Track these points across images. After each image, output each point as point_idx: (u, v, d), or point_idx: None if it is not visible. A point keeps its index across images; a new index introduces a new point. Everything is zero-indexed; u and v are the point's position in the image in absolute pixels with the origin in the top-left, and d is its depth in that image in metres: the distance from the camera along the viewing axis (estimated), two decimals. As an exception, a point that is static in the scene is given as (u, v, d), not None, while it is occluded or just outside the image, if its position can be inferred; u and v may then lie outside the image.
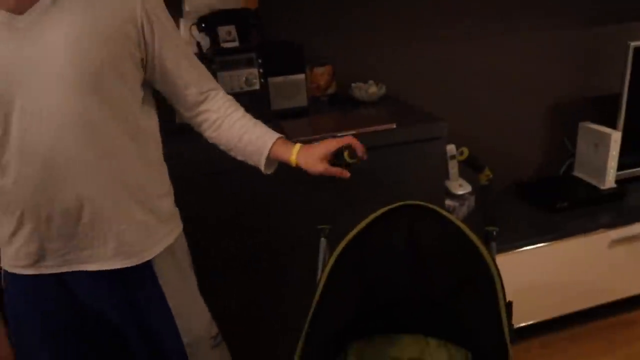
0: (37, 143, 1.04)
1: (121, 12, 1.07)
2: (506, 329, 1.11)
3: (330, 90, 2.13)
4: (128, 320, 1.24)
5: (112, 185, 1.13)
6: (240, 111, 1.36)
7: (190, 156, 1.77)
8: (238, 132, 1.32)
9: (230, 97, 1.36)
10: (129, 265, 1.20)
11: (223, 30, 1.86)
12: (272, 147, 1.33)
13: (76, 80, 1.02)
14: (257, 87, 1.84)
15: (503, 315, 1.11)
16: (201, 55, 1.89)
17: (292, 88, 1.89)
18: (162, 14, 1.17)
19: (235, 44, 1.84)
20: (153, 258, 1.23)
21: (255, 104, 1.85)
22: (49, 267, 1.17)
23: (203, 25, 1.91)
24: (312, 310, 1.19)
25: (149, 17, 1.12)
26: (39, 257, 1.16)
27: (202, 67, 1.31)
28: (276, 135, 1.35)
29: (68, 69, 1.01)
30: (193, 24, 1.93)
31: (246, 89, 1.84)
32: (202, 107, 1.31)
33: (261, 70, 1.84)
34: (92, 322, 1.24)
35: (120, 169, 1.14)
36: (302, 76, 1.91)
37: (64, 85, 1.02)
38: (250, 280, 1.78)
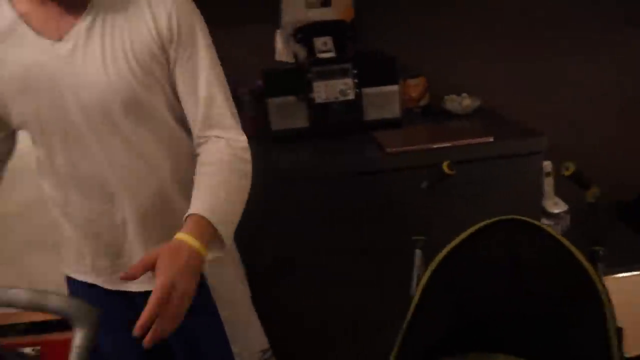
0: (80, 165, 1.08)
1: (150, 32, 1.02)
2: (616, 357, 1.04)
3: (423, 102, 2.12)
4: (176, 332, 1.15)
5: (152, 202, 1.12)
6: (213, 166, 1.08)
7: (284, 164, 1.83)
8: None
9: (223, 152, 1.08)
10: (146, 290, 1.11)
11: (319, 41, 1.90)
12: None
13: (114, 104, 1.03)
14: (351, 97, 1.86)
15: (613, 341, 1.04)
16: (297, 66, 1.94)
17: (385, 99, 1.89)
18: (188, 38, 1.05)
19: (332, 54, 1.88)
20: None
21: (348, 114, 1.89)
22: (100, 283, 1.19)
23: (299, 36, 1.96)
24: (405, 324, 1.17)
25: (177, 40, 1.05)
26: (91, 271, 1.19)
27: (217, 107, 1.09)
28: (193, 210, 1.01)
29: (106, 94, 1.02)
30: (290, 35, 1.98)
31: (341, 99, 1.86)
32: (199, 150, 1.13)
33: (356, 81, 1.86)
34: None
35: (159, 186, 1.12)
36: (395, 87, 1.91)
37: (102, 110, 1.03)
38: (337, 292, 1.78)
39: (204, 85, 1.06)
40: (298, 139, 1.90)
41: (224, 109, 1.09)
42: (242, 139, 1.10)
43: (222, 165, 1.06)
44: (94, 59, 1.00)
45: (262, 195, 1.68)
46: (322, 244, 1.72)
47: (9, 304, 0.88)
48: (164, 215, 1.13)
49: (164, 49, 1.03)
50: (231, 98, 1.12)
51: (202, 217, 0.97)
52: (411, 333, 1.17)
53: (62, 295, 0.86)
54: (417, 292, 1.19)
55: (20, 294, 0.85)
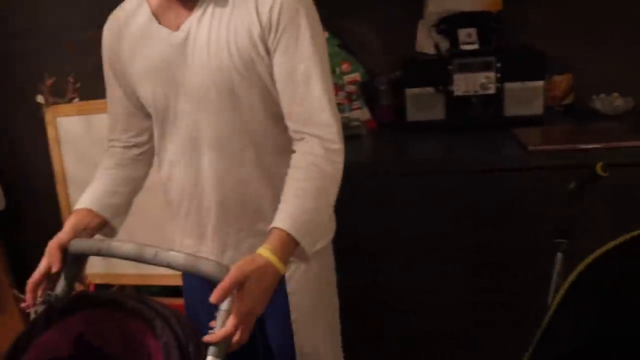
0: (184, 152, 1.14)
1: (252, 22, 1.03)
2: None
3: (567, 101, 2.01)
4: None
5: (234, 189, 1.14)
6: (304, 171, 1.06)
7: (416, 155, 1.83)
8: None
9: (316, 154, 1.06)
10: None
11: (463, 33, 1.87)
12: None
13: (214, 95, 1.07)
14: (492, 91, 1.82)
15: None
16: (438, 57, 1.93)
17: (529, 95, 1.82)
18: (290, 29, 1.03)
19: (475, 46, 1.84)
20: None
21: (487, 109, 1.84)
22: None
23: (443, 26, 1.94)
24: (539, 333, 1.13)
25: (278, 29, 1.03)
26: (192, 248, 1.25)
27: (315, 103, 1.06)
28: (279, 223, 1.00)
29: (206, 83, 1.06)
30: (432, 26, 1.97)
31: (480, 92, 1.83)
32: (294, 146, 1.12)
33: (498, 75, 1.81)
34: None
35: (241, 180, 1.13)
36: (540, 83, 1.83)
37: (200, 97, 1.07)
38: (457, 294, 1.75)
39: (302, 79, 1.04)
40: (433, 131, 1.89)
41: (321, 105, 1.05)
42: (338, 140, 1.07)
43: (312, 170, 1.04)
44: (201, 49, 1.04)
45: (392, 185, 1.72)
46: (449, 241, 1.70)
47: (168, 265, 0.96)
48: (244, 203, 1.15)
49: (264, 39, 1.03)
50: (332, 94, 1.08)
51: (288, 234, 0.97)
52: (545, 344, 1.13)
53: (213, 261, 0.91)
54: (556, 299, 1.14)
55: (178, 257, 0.92)
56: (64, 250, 1.03)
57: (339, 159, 1.07)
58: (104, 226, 1.16)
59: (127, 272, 2.07)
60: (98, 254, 1.00)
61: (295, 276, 1.20)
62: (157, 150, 1.21)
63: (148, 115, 1.21)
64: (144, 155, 1.27)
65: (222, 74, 1.04)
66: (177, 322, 0.89)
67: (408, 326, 1.79)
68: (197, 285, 1.26)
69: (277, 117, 1.10)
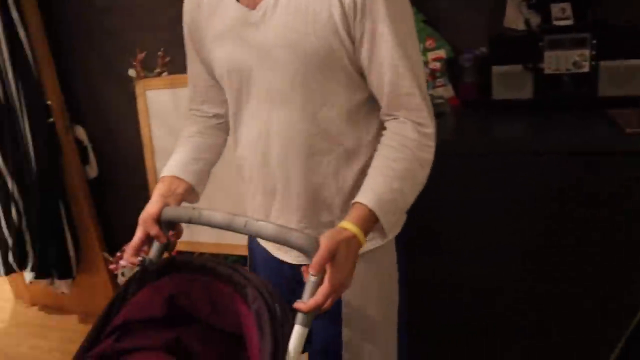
0: (253, 135, 1.14)
1: (333, 7, 0.99)
2: None
3: (670, 81, 1.87)
4: None
5: (300, 180, 1.12)
6: (394, 151, 1.05)
7: (501, 134, 1.77)
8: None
9: (408, 136, 1.05)
10: (299, 263, 1.14)
11: (557, 8, 1.77)
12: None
13: (290, 74, 1.05)
14: (585, 69, 1.71)
15: None
16: (528, 33, 1.84)
17: (628, 74, 1.70)
18: (373, 13, 1.00)
19: (569, 22, 1.74)
20: None
21: (580, 88, 1.75)
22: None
23: (534, 1, 1.85)
24: (628, 334, 1.07)
25: (363, 12, 0.99)
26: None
27: (404, 88, 1.04)
28: (363, 199, 1.01)
29: (284, 63, 1.04)
30: (523, 0, 1.88)
31: (573, 70, 1.73)
32: (385, 124, 1.10)
33: (593, 53, 1.71)
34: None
35: (309, 168, 1.12)
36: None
37: (281, 78, 1.06)
38: (532, 285, 1.70)
39: (389, 65, 1.01)
40: (520, 110, 1.81)
41: (411, 90, 1.03)
42: (430, 124, 1.05)
43: (403, 151, 1.03)
44: (275, 31, 1.03)
45: (474, 165, 1.67)
46: (530, 226, 1.64)
47: (257, 234, 0.99)
48: (308, 192, 1.13)
49: (347, 25, 1.00)
50: (423, 77, 1.06)
51: (370, 210, 0.98)
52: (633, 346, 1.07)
53: (304, 233, 0.94)
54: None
55: (269, 227, 0.95)
56: (157, 217, 1.08)
57: (431, 143, 1.06)
58: (189, 192, 1.20)
59: (206, 240, 2.16)
60: (189, 221, 1.05)
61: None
62: (231, 130, 1.23)
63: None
64: (224, 124, 1.30)
65: (294, 60, 1.03)
66: (267, 290, 0.92)
67: (478, 313, 1.75)
68: (260, 261, 1.31)
69: (353, 111, 1.09)
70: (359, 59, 1.04)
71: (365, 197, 0.99)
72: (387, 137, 1.06)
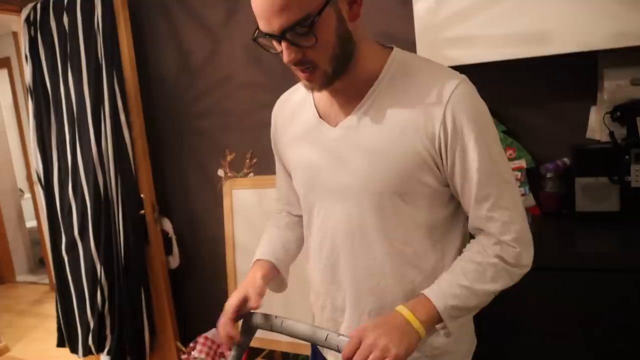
0: (322, 248, 1.14)
1: (420, 132, 1.00)
2: None
3: None
4: None
5: (371, 299, 1.10)
6: (465, 255, 1.05)
7: (585, 248, 1.70)
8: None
9: (501, 246, 1.02)
10: None
11: (643, 121, 1.74)
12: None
13: (359, 196, 1.05)
14: (676, 186, 1.65)
15: None
16: (613, 145, 1.81)
17: None
18: (470, 135, 0.99)
19: (656, 136, 1.70)
20: None
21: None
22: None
23: (618, 113, 1.83)
24: None
25: (451, 140, 1.00)
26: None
27: (490, 212, 1.02)
28: (427, 290, 1.01)
29: (355, 183, 1.05)
30: (607, 113, 1.86)
31: (661, 186, 1.67)
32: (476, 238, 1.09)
33: (685, 168, 1.64)
34: None
35: (378, 286, 1.10)
36: None
37: (349, 198, 1.06)
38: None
39: (475, 187, 1.01)
40: (605, 224, 1.74)
41: (498, 214, 1.01)
42: (518, 244, 1.02)
43: (478, 253, 1.03)
44: (355, 151, 1.05)
45: (554, 280, 1.60)
46: (615, 349, 1.51)
47: (337, 348, 0.96)
48: (379, 312, 1.10)
49: (434, 150, 1.00)
50: (517, 198, 1.04)
51: (428, 299, 0.98)
52: None
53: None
54: None
55: (345, 341, 0.95)
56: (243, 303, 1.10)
57: (514, 261, 1.02)
58: (275, 277, 1.22)
59: (279, 338, 2.16)
60: (271, 329, 1.06)
61: None
62: (305, 235, 1.23)
63: None
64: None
65: (374, 183, 1.04)
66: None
67: None
68: None
69: (427, 228, 1.07)
70: (448, 180, 1.04)
71: (430, 290, 1.01)
72: (472, 245, 1.06)
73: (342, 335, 0.97)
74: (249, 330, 1.13)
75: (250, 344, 2.20)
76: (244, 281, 1.15)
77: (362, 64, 1.03)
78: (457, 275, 1.01)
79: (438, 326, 1.00)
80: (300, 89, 1.19)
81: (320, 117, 1.11)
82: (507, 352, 1.60)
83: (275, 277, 1.22)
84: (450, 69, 1.05)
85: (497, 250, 1.02)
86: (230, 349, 1.12)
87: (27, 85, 2.70)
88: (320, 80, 1.01)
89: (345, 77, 1.02)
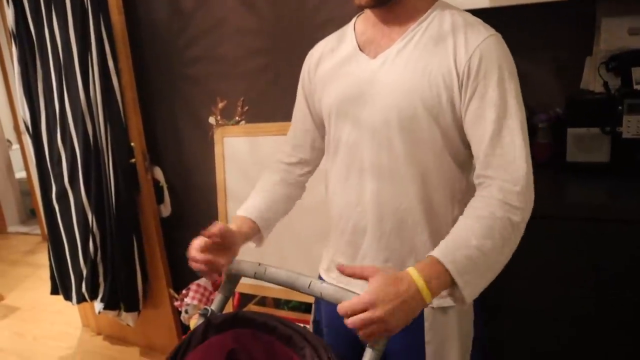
0: (348, 175, 1.19)
1: (448, 66, 1.05)
2: None
3: None
4: None
5: (392, 217, 1.15)
6: (471, 212, 1.03)
7: (574, 198, 1.72)
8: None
9: (493, 197, 1.01)
10: None
11: (638, 71, 1.73)
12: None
13: (387, 125, 1.10)
14: (668, 137, 1.65)
15: None
16: (607, 96, 1.80)
17: None
18: (484, 79, 1.03)
19: (651, 86, 1.69)
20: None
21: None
22: (333, 280, 1.27)
23: (613, 64, 1.81)
24: None
25: (473, 78, 1.04)
26: (328, 266, 1.30)
27: (501, 147, 1.03)
28: (435, 251, 0.97)
29: (389, 109, 1.10)
30: (602, 63, 1.85)
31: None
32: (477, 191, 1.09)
33: (678, 119, 1.64)
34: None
35: (404, 209, 1.14)
36: None
37: (382, 121, 1.11)
38: None
39: (490, 124, 1.02)
40: (595, 174, 1.76)
41: (509, 149, 1.02)
42: (519, 183, 1.00)
43: (485, 209, 1.00)
44: (392, 77, 1.10)
45: (544, 229, 1.62)
46: (602, 298, 1.56)
47: (320, 296, 0.99)
48: (399, 235, 1.16)
49: (457, 85, 1.05)
50: (525, 143, 1.03)
51: (438, 261, 0.93)
52: None
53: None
54: None
55: (330, 289, 0.96)
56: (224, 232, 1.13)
57: (517, 202, 1.00)
58: (255, 234, 1.26)
59: (271, 285, 2.19)
60: (254, 276, 1.07)
61: (434, 326, 1.18)
62: (327, 168, 1.29)
63: (322, 138, 1.32)
64: (304, 177, 1.38)
65: (405, 104, 1.08)
66: (326, 353, 0.93)
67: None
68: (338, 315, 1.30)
69: (456, 160, 1.13)
70: (463, 116, 1.07)
71: (438, 251, 0.96)
72: (471, 201, 1.05)
73: (325, 282, 0.98)
74: (232, 277, 1.14)
75: (243, 290, 2.26)
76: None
77: (413, 1, 1.11)
78: (466, 234, 0.97)
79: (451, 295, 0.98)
80: (336, 35, 1.26)
81: (360, 49, 1.17)
82: (497, 301, 1.63)
83: (253, 236, 1.25)
84: (487, 25, 1.09)
85: (501, 197, 1.00)
86: (206, 275, 1.13)
87: (10, 29, 2.62)
88: None
89: (396, 8, 1.11)
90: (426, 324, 1.18)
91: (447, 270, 0.93)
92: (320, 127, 1.32)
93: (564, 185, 1.79)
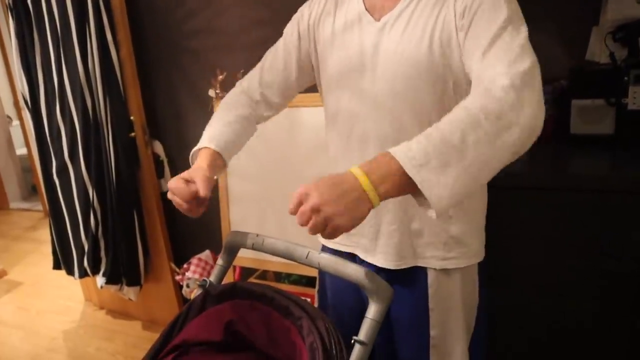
0: (349, 140, 1.18)
1: (451, 19, 1.04)
2: None
3: None
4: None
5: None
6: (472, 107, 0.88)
7: (576, 169, 1.70)
8: None
9: (486, 89, 0.89)
10: (391, 267, 1.19)
11: (645, 42, 1.69)
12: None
13: (393, 90, 1.10)
14: (672, 108, 1.63)
15: None
16: (613, 67, 1.77)
17: None
18: (484, 14, 0.99)
19: (658, 57, 1.66)
20: (428, 272, 1.18)
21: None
22: (336, 244, 1.28)
23: (620, 34, 1.78)
24: None
25: (473, 10, 1.01)
26: None
27: (497, 47, 0.95)
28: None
29: (391, 80, 1.10)
30: (608, 33, 1.81)
31: (658, 108, 1.64)
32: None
33: (683, 90, 1.61)
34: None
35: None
36: None
37: (381, 96, 1.11)
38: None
39: (489, 37, 0.96)
40: (599, 146, 1.74)
41: (509, 47, 0.94)
42: (507, 77, 0.88)
43: (461, 105, 0.88)
44: (393, 46, 1.09)
45: (546, 201, 1.61)
46: (604, 269, 1.55)
47: (318, 266, 0.99)
48: (401, 199, 1.14)
49: (455, 30, 1.03)
50: (528, 46, 0.97)
51: (387, 153, 0.83)
52: None
53: (362, 268, 0.92)
54: None
55: (329, 260, 0.96)
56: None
57: (504, 95, 0.86)
58: (220, 171, 1.27)
59: (272, 259, 2.19)
60: (252, 247, 1.07)
61: (439, 292, 1.18)
62: (327, 138, 1.28)
63: (296, 88, 1.32)
64: (263, 120, 1.37)
65: (410, 60, 1.07)
66: (323, 324, 0.92)
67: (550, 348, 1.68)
68: (343, 286, 1.30)
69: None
70: (462, 46, 1.03)
71: (394, 148, 0.84)
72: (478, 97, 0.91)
73: (323, 253, 0.97)
74: (230, 248, 1.14)
75: (244, 264, 2.26)
76: (191, 169, 1.15)
77: None
78: (430, 133, 0.85)
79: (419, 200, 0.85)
80: None
81: (366, 9, 1.15)
82: (501, 271, 1.63)
83: (219, 169, 1.24)
84: None
85: (485, 92, 0.88)
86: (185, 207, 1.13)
87: (7, 3, 2.58)
88: None
89: None
90: (430, 290, 1.18)
91: (393, 158, 0.81)
92: (299, 74, 1.30)
93: (568, 157, 1.77)
